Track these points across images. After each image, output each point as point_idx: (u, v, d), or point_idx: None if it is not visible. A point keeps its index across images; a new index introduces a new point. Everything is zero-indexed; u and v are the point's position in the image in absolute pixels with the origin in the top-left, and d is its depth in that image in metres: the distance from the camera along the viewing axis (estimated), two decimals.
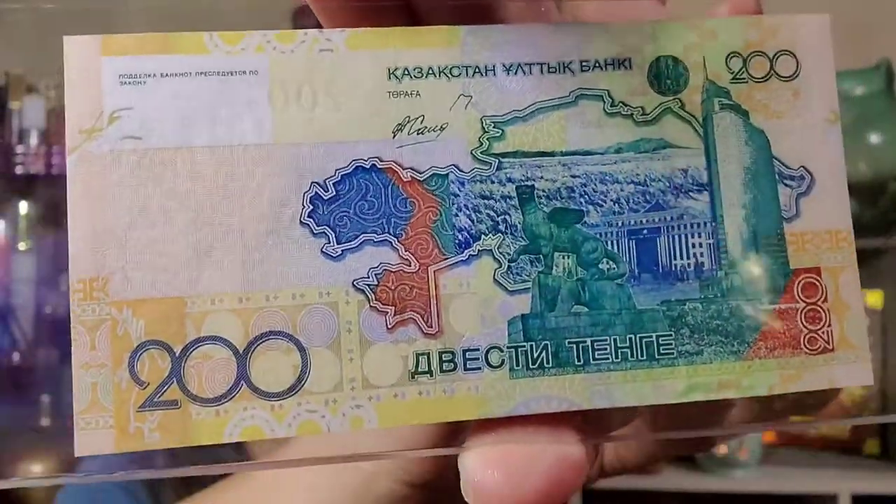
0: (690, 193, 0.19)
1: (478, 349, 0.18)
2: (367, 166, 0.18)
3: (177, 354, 0.17)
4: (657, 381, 0.18)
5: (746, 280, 0.19)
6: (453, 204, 0.19)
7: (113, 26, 0.19)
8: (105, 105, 0.18)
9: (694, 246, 0.19)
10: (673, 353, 0.19)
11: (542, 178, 0.19)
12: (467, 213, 0.19)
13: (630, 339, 0.19)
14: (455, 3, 0.20)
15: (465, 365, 0.18)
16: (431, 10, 0.20)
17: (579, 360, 0.18)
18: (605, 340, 0.18)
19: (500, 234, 0.19)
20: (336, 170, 0.18)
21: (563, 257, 0.19)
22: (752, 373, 0.19)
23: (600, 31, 0.19)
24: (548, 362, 0.18)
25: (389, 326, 0.18)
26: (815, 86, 0.20)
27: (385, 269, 0.18)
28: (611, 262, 0.19)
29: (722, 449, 1.22)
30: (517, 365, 0.18)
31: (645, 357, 0.18)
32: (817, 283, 0.19)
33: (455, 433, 0.23)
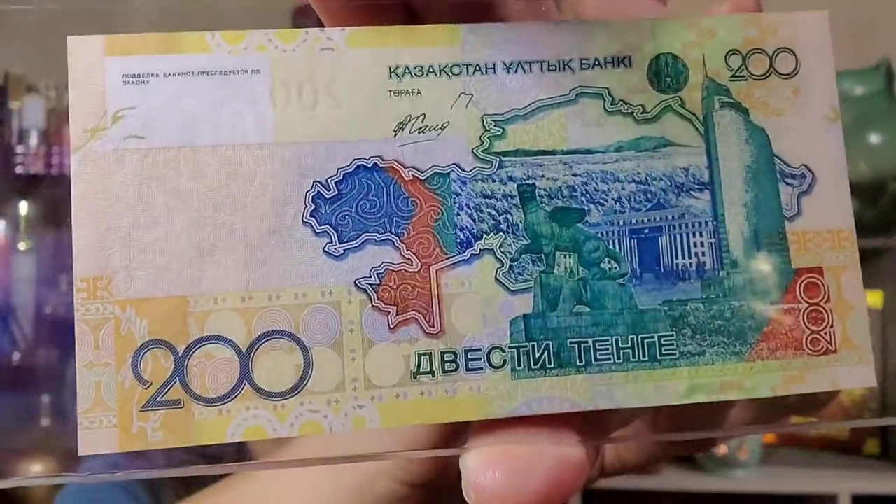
0: (692, 192, 0.19)
1: (480, 349, 0.18)
2: (369, 165, 0.18)
3: (180, 354, 0.17)
4: (659, 381, 0.18)
5: (748, 280, 0.19)
6: (455, 203, 0.19)
7: (113, 26, 0.19)
8: (109, 104, 0.18)
9: (695, 245, 0.19)
10: (675, 354, 0.19)
11: (543, 176, 0.19)
12: (469, 212, 0.19)
13: (632, 339, 0.19)
14: (455, 1, 0.20)
15: (467, 365, 0.18)
16: (432, 9, 0.20)
17: (581, 361, 0.18)
18: (607, 341, 0.18)
19: (501, 234, 0.19)
20: (338, 169, 0.18)
21: (565, 257, 0.19)
22: (755, 374, 0.19)
23: (600, 29, 0.19)
24: (549, 363, 0.18)
25: (391, 326, 0.18)
26: (815, 83, 0.20)
27: (387, 269, 0.18)
28: (612, 262, 0.19)
29: (722, 449, 1.22)
30: (519, 365, 0.18)
31: (647, 358, 0.18)
32: (819, 284, 0.19)
33: (457, 433, 0.23)
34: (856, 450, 1.29)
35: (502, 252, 0.19)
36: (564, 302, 0.19)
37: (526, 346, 0.18)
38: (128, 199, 0.18)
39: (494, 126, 0.19)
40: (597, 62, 0.19)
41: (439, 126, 0.19)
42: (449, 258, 0.18)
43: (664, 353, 0.18)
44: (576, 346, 0.18)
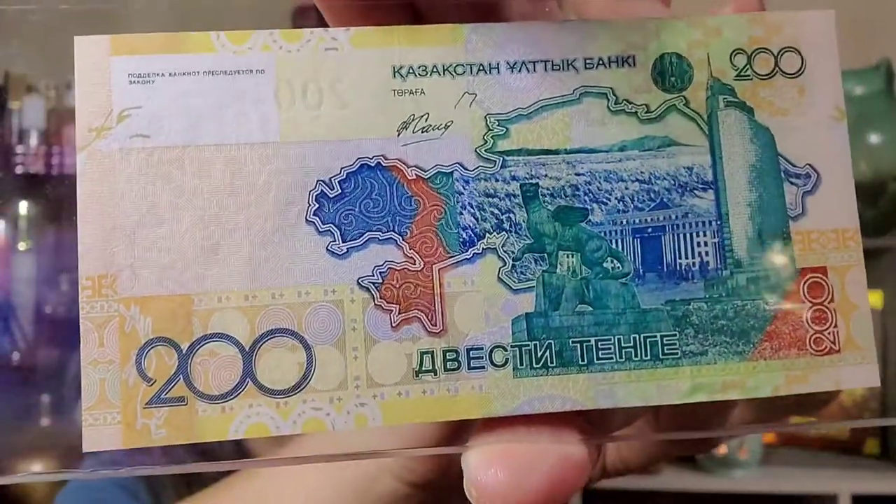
0: (695, 191, 0.19)
1: (482, 348, 0.18)
2: (373, 164, 0.19)
3: (183, 351, 0.18)
4: (661, 381, 0.18)
5: (752, 280, 0.19)
6: (458, 202, 0.19)
7: (113, 26, 0.19)
8: (114, 104, 0.18)
9: (699, 245, 0.19)
10: (677, 353, 0.19)
11: (546, 175, 0.19)
12: (472, 211, 0.19)
13: (634, 338, 0.19)
14: (459, 1, 0.20)
15: (468, 364, 0.18)
16: (435, 9, 0.20)
17: (583, 360, 0.18)
18: (609, 340, 0.18)
19: (504, 233, 0.19)
20: (342, 168, 0.18)
21: (568, 256, 0.19)
22: (757, 374, 0.19)
23: (604, 28, 0.19)
24: (551, 362, 0.18)
25: (394, 325, 0.18)
26: (821, 82, 0.20)
27: (390, 268, 0.18)
28: (615, 261, 0.19)
29: (722, 449, 1.22)
30: (521, 364, 0.18)
31: (649, 357, 0.18)
32: (824, 283, 0.19)
33: (459, 432, 0.23)
34: (856, 450, 1.29)
35: (505, 251, 0.19)
36: (567, 301, 0.19)
37: (528, 345, 0.18)
38: (133, 197, 0.18)
39: (498, 125, 0.19)
40: (601, 62, 0.19)
41: (443, 125, 0.19)
42: (452, 257, 0.18)
43: (666, 352, 0.19)
44: (578, 345, 0.18)
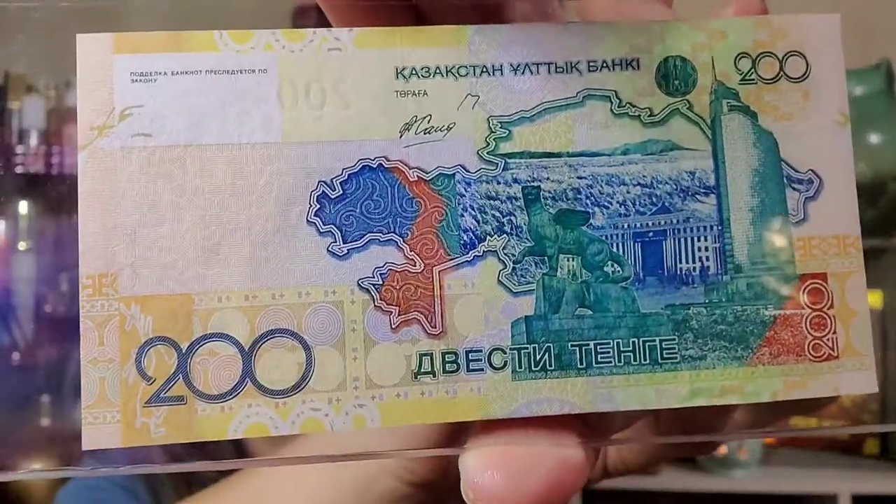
0: (697, 196, 0.19)
1: (481, 350, 0.18)
2: (374, 165, 0.18)
3: (183, 351, 0.18)
4: (660, 385, 0.18)
5: (752, 285, 0.19)
6: (459, 204, 0.19)
7: (114, 25, 0.19)
8: (116, 102, 0.18)
9: (700, 249, 0.19)
10: (676, 358, 0.19)
11: (548, 178, 0.19)
12: (473, 213, 0.19)
13: (633, 342, 0.18)
14: (462, 2, 0.20)
15: (467, 366, 0.18)
16: (438, 10, 0.20)
17: (582, 363, 0.18)
18: (609, 344, 0.18)
19: (505, 235, 0.19)
20: (343, 169, 0.18)
21: (568, 259, 0.19)
22: (756, 379, 0.19)
23: (608, 31, 0.19)
24: (550, 365, 0.18)
25: (393, 326, 0.18)
26: (825, 87, 0.20)
27: (390, 269, 0.18)
28: (616, 265, 0.19)
29: (722, 449, 1.22)
30: (520, 367, 0.18)
31: (648, 361, 0.18)
32: (823, 289, 0.19)
33: (457, 433, 0.23)
34: (856, 450, 1.29)
35: (505, 254, 0.19)
36: (567, 304, 0.19)
37: (527, 348, 0.18)
38: (134, 196, 0.18)
39: (500, 128, 0.19)
40: (604, 64, 0.19)
41: (445, 127, 0.19)
42: (452, 259, 0.18)
43: (665, 356, 0.18)
44: (577, 348, 0.18)
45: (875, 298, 1.11)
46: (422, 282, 0.18)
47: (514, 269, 0.19)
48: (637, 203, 0.19)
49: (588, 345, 0.18)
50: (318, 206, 0.18)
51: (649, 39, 0.19)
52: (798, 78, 0.20)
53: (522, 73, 0.19)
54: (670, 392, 0.18)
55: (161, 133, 0.18)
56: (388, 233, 0.18)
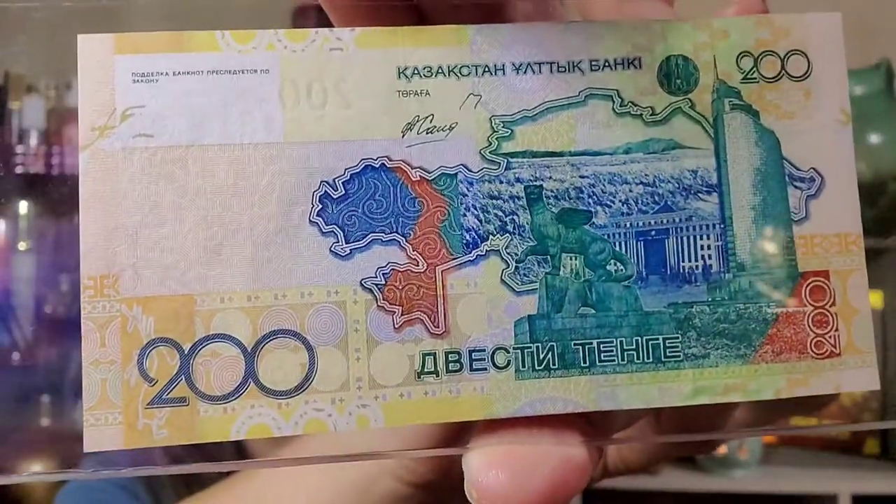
0: (699, 195, 0.19)
1: (484, 350, 0.18)
2: (377, 165, 0.18)
3: (185, 352, 0.17)
4: (663, 383, 0.18)
5: (754, 283, 0.19)
6: (461, 204, 0.19)
7: (115, 25, 0.19)
8: (118, 103, 0.18)
9: (702, 248, 0.19)
10: (679, 356, 0.19)
11: (550, 178, 0.19)
12: (475, 213, 0.19)
13: (636, 341, 0.19)
14: (464, 2, 0.20)
15: (471, 365, 0.18)
16: (440, 10, 0.20)
17: (585, 362, 0.18)
18: (612, 342, 0.18)
19: (507, 235, 0.19)
20: (345, 169, 0.18)
21: (571, 258, 0.19)
22: (759, 377, 0.19)
23: (610, 30, 0.19)
24: (553, 364, 0.18)
25: (396, 326, 0.18)
26: (827, 86, 0.20)
27: (393, 269, 0.18)
28: (618, 264, 0.19)
29: (722, 449, 1.22)
30: (523, 366, 0.18)
31: (651, 359, 0.18)
32: (825, 287, 0.19)
33: (460, 433, 0.23)
34: (856, 450, 1.29)
35: (508, 253, 0.19)
36: (569, 303, 0.19)
37: (530, 347, 0.18)
38: (135, 197, 0.18)
39: (503, 127, 0.19)
40: (606, 63, 0.19)
41: (447, 127, 0.19)
42: (455, 259, 0.18)
43: (668, 355, 0.18)
44: (580, 347, 0.18)
45: (875, 298, 1.11)
46: (424, 281, 0.18)
47: (516, 268, 0.19)
48: (639, 202, 0.19)
49: (591, 343, 0.18)
50: (321, 206, 0.18)
51: (651, 38, 0.19)
52: (800, 77, 0.20)
53: (524, 72, 0.19)
54: (673, 390, 0.18)
55: (163, 133, 0.18)
56: (391, 233, 0.18)
